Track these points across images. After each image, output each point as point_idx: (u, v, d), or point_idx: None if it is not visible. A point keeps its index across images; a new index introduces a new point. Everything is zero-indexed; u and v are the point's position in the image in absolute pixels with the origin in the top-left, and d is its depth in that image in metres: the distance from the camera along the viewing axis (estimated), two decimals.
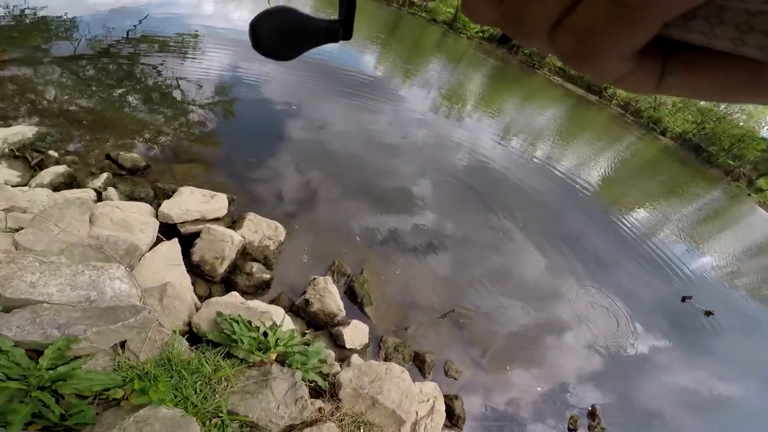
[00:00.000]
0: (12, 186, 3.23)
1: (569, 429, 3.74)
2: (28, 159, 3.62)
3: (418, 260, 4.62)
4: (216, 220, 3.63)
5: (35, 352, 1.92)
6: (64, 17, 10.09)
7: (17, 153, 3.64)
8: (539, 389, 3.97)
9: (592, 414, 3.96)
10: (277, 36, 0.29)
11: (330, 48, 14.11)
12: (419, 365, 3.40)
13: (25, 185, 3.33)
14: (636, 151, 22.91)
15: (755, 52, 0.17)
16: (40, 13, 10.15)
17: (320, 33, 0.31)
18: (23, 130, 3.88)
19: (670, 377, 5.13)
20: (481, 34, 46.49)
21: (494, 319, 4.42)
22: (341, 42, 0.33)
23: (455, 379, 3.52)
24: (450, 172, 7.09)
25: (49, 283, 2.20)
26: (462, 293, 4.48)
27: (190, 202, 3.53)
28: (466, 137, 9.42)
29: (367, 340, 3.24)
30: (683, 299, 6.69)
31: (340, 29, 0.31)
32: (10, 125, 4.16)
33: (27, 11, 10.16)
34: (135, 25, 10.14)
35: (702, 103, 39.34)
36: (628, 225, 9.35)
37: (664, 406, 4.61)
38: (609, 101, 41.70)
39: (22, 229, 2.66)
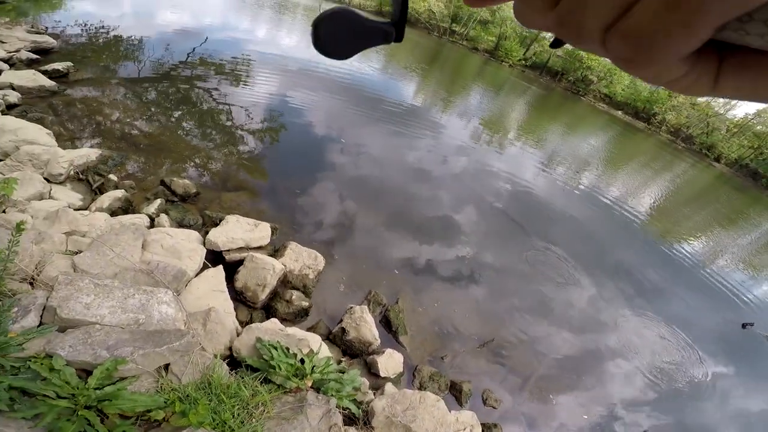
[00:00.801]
0: (75, 209, 3.44)
1: None
2: (90, 182, 3.87)
3: (455, 290, 4.52)
4: (259, 248, 3.72)
5: (84, 372, 2.00)
6: (133, 38, 11.08)
7: (81, 176, 3.90)
8: (585, 417, 3.70)
9: None
10: (335, 36, 0.31)
11: (372, 76, 14.59)
12: (456, 394, 3.28)
13: (86, 209, 3.54)
14: (689, 179, 21.38)
15: None
16: (113, 33, 11.24)
17: (375, 34, 0.32)
18: (88, 153, 4.17)
19: (731, 403, 4.70)
20: (523, 62, 46.53)
21: (536, 348, 4.22)
22: (393, 44, 0.34)
23: (494, 408, 3.36)
24: (490, 202, 6.93)
25: (102, 305, 2.32)
26: (502, 323, 4.33)
27: (236, 231, 3.66)
28: (507, 166, 9.25)
29: (401, 369, 3.18)
30: (744, 326, 6.32)
31: (394, 31, 0.33)
32: (76, 147, 4.50)
33: (101, 30, 11.27)
34: (194, 48, 10.96)
35: (759, 127, 36.75)
36: (683, 254, 8.70)
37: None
38: (658, 127, 39.88)
39: (80, 252, 2.82)
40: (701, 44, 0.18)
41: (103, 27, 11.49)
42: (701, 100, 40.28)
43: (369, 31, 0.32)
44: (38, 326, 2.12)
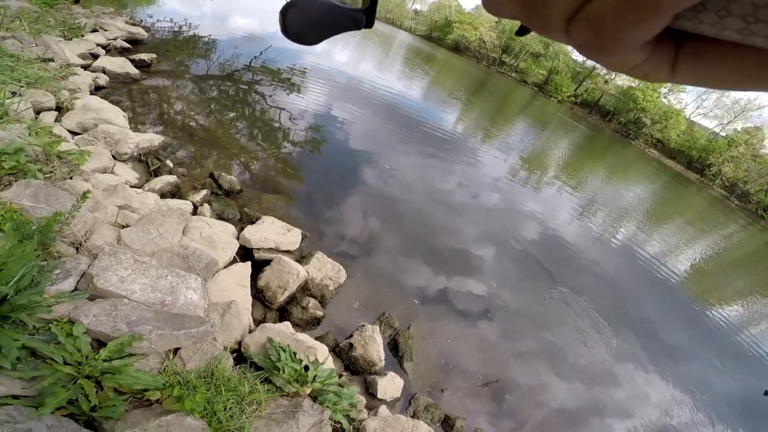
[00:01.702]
0: (131, 186, 3.81)
1: None
2: (149, 164, 4.25)
3: (468, 326, 4.45)
4: (287, 252, 3.85)
5: (98, 342, 2.06)
6: (208, 38, 12.10)
7: (142, 157, 4.31)
8: None
9: None
10: (305, 22, 0.31)
11: (417, 99, 14.90)
12: (447, 429, 3.20)
13: (140, 188, 3.90)
14: (738, 242, 19.66)
15: (763, 42, 0.18)
16: (193, 31, 12.33)
17: (345, 20, 0.32)
18: (152, 138, 4.60)
19: None
20: (573, 98, 45.39)
21: (539, 396, 4.07)
22: (363, 30, 0.34)
23: None
24: (518, 241, 6.75)
25: (135, 281, 2.44)
26: (509, 365, 4.21)
27: (269, 232, 3.81)
28: (541, 206, 8.99)
29: (399, 395, 3.15)
30: (766, 393, 5.96)
31: (364, 17, 0.32)
32: (144, 131, 4.99)
33: (184, 28, 12.40)
34: (257, 55, 11.78)
35: None
36: (716, 318, 8.07)
37: None
38: (712, 180, 36.84)
39: (128, 226, 3.04)
40: (658, 32, 0.19)
41: (186, 25, 12.65)
42: (765, 152, 36.94)
43: (338, 17, 0.32)
44: (72, 291, 2.23)
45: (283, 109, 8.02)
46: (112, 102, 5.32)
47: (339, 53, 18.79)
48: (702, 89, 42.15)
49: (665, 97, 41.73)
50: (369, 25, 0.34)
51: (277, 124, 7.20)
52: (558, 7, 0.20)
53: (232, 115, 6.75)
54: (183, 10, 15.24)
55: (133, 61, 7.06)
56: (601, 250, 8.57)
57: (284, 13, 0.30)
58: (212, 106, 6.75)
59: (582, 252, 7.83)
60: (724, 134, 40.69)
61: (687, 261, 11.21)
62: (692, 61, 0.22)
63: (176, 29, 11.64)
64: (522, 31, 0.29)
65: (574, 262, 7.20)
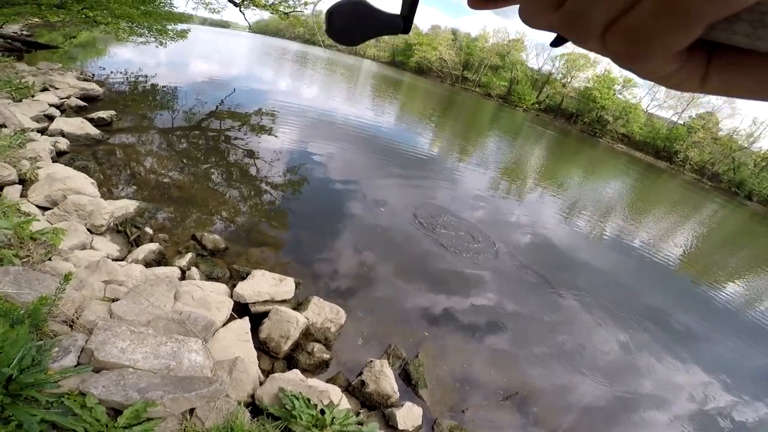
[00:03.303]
0: (113, 259, 3.75)
1: None
2: (128, 234, 4.21)
3: (476, 342, 4.57)
4: (283, 302, 3.92)
5: (113, 411, 2.16)
6: (168, 87, 12.19)
7: (120, 227, 4.26)
8: None
9: None
10: (348, 23, 0.34)
11: (389, 126, 15.43)
12: None
13: (123, 260, 3.83)
14: (721, 220, 21.22)
15: None
16: (150, 82, 12.41)
17: (385, 24, 0.35)
18: (126, 205, 4.57)
19: None
20: (537, 105, 48.17)
21: (564, 400, 4.17)
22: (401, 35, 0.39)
23: None
24: (510, 252, 7.01)
25: (136, 351, 2.52)
26: (527, 375, 4.32)
27: (262, 285, 3.89)
28: (526, 215, 9.41)
29: (420, 422, 3.21)
30: None
31: (401, 23, 0.36)
32: (116, 197, 4.93)
33: (140, 79, 12.47)
34: (222, 101, 11.96)
35: None
36: (722, 298, 8.55)
37: None
38: (681, 166, 39.40)
39: (117, 299, 3.08)
40: (691, 42, 0.20)
41: (141, 75, 12.75)
42: (722, 134, 40.11)
43: (380, 21, 0.35)
44: (75, 366, 2.31)
45: (257, 154, 8.14)
46: (77, 168, 5.28)
47: (306, 89, 19.32)
48: (651, 83, 45.83)
49: (620, 94, 45.03)
50: (406, 30, 0.36)
51: (253, 171, 7.28)
52: (595, 19, 0.21)
53: (205, 167, 6.79)
54: (136, 60, 15.40)
55: (91, 121, 7.05)
56: (592, 248, 9.01)
57: (331, 14, 0.34)
58: (183, 160, 6.77)
59: (574, 252, 8.20)
60: (681, 122, 44.04)
61: (679, 245, 11.91)
62: (724, 72, 0.23)
63: (132, 81, 11.73)
64: (557, 42, 0.31)
65: (569, 263, 7.53)
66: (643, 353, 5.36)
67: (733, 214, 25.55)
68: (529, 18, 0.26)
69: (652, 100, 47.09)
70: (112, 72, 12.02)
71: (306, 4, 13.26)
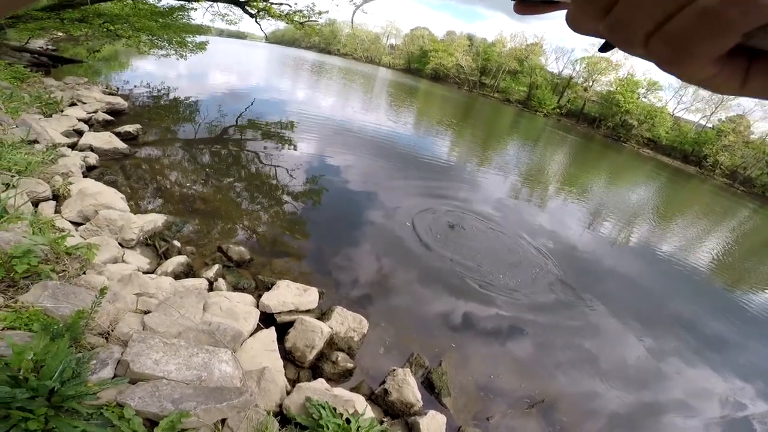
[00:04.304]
0: (143, 272, 3.87)
1: None
2: (157, 247, 4.37)
3: (499, 349, 4.57)
4: (308, 311, 4.03)
5: (149, 422, 2.26)
6: (190, 100, 12.60)
7: (149, 241, 4.42)
8: None
9: None
10: None
11: (408, 133, 15.49)
12: None
13: (153, 272, 3.96)
14: (755, 226, 20.60)
15: None
16: (173, 95, 12.84)
17: None
18: (155, 219, 4.73)
19: None
20: (558, 110, 47.47)
21: (592, 407, 4.15)
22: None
23: None
24: (533, 259, 6.97)
25: (169, 362, 2.62)
26: (553, 382, 4.30)
27: (286, 295, 4.01)
28: (549, 221, 9.33)
29: (443, 431, 3.22)
30: None
31: None
32: (144, 210, 5.11)
33: (162, 92, 12.94)
34: (242, 112, 12.27)
35: None
36: (755, 306, 8.27)
37: None
38: (711, 171, 38.27)
39: (149, 311, 3.22)
40: (728, 49, 0.22)
41: (164, 88, 13.23)
42: (755, 137, 38.62)
43: None
44: (112, 378, 2.44)
45: (278, 164, 8.31)
46: (107, 183, 5.49)
47: (324, 98, 19.66)
48: (678, 86, 44.54)
49: (645, 97, 44.03)
50: None
51: (274, 181, 7.43)
52: (640, 26, 0.23)
53: (228, 179, 6.97)
54: (158, 72, 16.01)
55: (118, 135, 7.32)
56: (619, 254, 8.90)
57: None
58: (207, 172, 6.97)
59: (600, 259, 8.14)
60: (710, 125, 42.66)
61: (710, 252, 11.64)
62: (763, 76, 0.25)
63: (155, 94, 12.17)
64: (605, 48, 0.33)
65: (595, 270, 7.47)
66: (672, 360, 5.30)
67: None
68: (576, 25, 0.28)
69: (679, 104, 45.91)
70: (135, 86, 12.52)
71: (320, 14, 13.57)
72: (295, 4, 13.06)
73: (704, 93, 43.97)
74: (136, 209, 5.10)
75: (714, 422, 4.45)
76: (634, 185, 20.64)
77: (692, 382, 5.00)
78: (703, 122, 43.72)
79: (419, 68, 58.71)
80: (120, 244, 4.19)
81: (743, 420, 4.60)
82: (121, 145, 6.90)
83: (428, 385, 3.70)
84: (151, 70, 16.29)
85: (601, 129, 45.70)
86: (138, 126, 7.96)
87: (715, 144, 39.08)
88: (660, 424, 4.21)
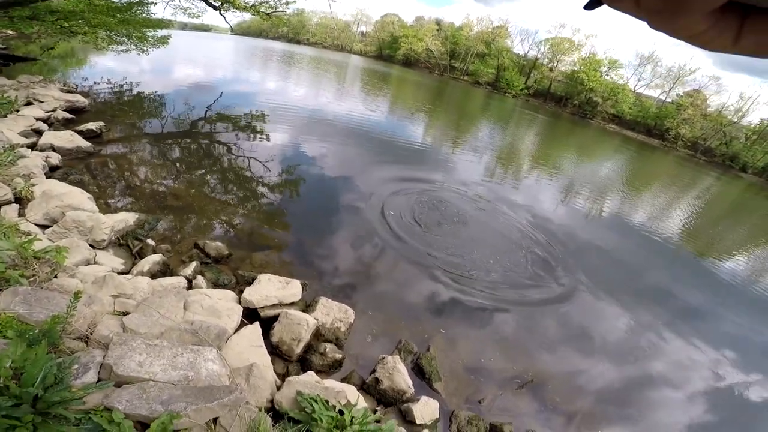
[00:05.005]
0: (118, 273, 3.75)
1: None
2: (130, 247, 4.22)
3: (486, 331, 4.63)
4: (291, 304, 3.97)
5: (140, 424, 2.20)
6: (154, 94, 12.05)
7: (121, 241, 4.26)
8: None
9: None
10: None
11: (380, 121, 15.40)
12: None
13: (128, 273, 3.84)
14: (718, 193, 21.72)
15: None
16: (136, 90, 12.25)
17: None
18: (126, 218, 4.56)
19: None
20: (526, 91, 48.27)
21: (579, 383, 4.26)
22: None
23: None
24: (512, 237, 7.10)
25: (154, 363, 2.56)
26: (540, 360, 4.39)
27: (269, 289, 3.93)
28: (524, 200, 9.52)
29: (437, 416, 3.25)
30: None
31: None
32: (114, 210, 4.91)
33: (125, 87, 12.30)
34: (210, 105, 11.84)
35: None
36: (726, 272, 8.73)
37: None
38: (674, 143, 40.14)
39: (128, 313, 3.10)
40: (723, 2, 0.21)
41: (126, 83, 12.57)
42: (711, 110, 40.68)
43: None
44: (96, 382, 2.35)
45: (252, 156, 8.11)
46: (72, 183, 5.24)
47: (295, 88, 19.17)
48: (637, 64, 45.94)
49: (607, 75, 45.32)
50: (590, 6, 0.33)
51: (249, 174, 7.26)
52: None
53: (200, 173, 6.76)
54: (119, 68, 15.17)
55: (81, 133, 6.96)
56: (593, 228, 9.16)
57: None
58: (178, 167, 6.74)
59: (577, 232, 8.36)
60: (670, 100, 44.49)
61: (680, 220, 12.15)
62: (758, 33, 0.24)
63: (117, 90, 11.57)
64: (591, 5, 0.31)
65: (571, 247, 7.65)
66: (650, 332, 5.49)
67: (730, 185, 26.10)
68: None
69: (639, 80, 47.43)
70: (95, 82, 11.84)
71: (287, 3, 13.09)
72: None
73: (662, 69, 45.74)
74: (106, 209, 4.89)
75: (697, 389, 4.65)
76: (603, 159, 21.31)
77: (672, 352, 5.17)
78: (663, 97, 45.56)
79: (391, 54, 58.08)
80: (91, 245, 4.02)
81: (718, 388, 4.81)
82: (84, 143, 6.56)
83: (418, 371, 3.73)
84: (111, 66, 15.39)
85: (567, 107, 46.85)
86: (101, 123, 7.57)
87: (675, 118, 40.89)
88: (646, 395, 4.37)
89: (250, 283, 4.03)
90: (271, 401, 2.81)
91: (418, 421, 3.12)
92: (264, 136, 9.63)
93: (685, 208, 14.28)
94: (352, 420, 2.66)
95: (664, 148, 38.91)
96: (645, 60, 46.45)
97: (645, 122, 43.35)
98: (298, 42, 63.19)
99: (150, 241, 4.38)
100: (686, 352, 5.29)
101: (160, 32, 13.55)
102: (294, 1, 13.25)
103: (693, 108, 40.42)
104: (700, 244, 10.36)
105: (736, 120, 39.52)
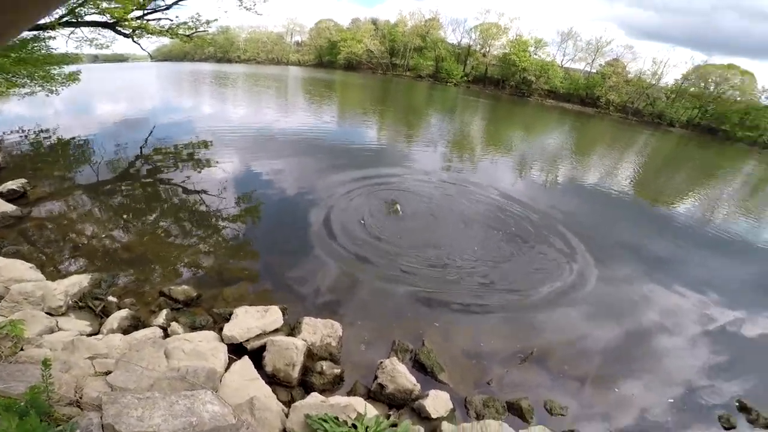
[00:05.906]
0: (87, 335, 3.68)
1: (725, 429, 3.67)
2: (92, 307, 4.10)
3: (476, 314, 4.80)
4: (275, 331, 4.00)
5: None
6: (78, 139, 11.35)
7: (80, 303, 4.14)
8: (670, 400, 3.95)
9: (743, 408, 3.86)
10: None
11: (331, 127, 15.57)
12: (516, 413, 3.47)
13: (98, 333, 3.77)
14: (655, 148, 24.03)
15: None
16: (55, 136, 11.45)
17: None
18: (79, 280, 4.41)
19: None
20: (466, 78, 50.78)
21: (581, 346, 4.46)
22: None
23: (563, 415, 3.55)
24: (479, 221, 7.48)
25: (153, 416, 2.55)
26: (536, 332, 4.58)
27: (248, 321, 3.95)
28: (484, 182, 10.03)
29: (451, 405, 3.35)
30: None
31: None
32: (64, 274, 4.72)
33: (42, 134, 11.46)
34: (144, 141, 11.38)
35: (692, 89, 41.07)
36: (680, 217, 9.69)
37: None
38: (606, 109, 44.12)
39: (110, 372, 3.05)
40: None
41: (42, 130, 11.71)
42: (631, 76, 45.31)
43: None
44: None
45: (202, 189, 7.97)
46: (8, 255, 4.94)
47: (234, 109, 18.76)
48: (559, 41, 50.12)
49: (536, 54, 48.92)
50: None
51: (203, 208, 7.15)
52: None
53: (150, 218, 6.57)
54: (29, 113, 14.09)
55: (2, 196, 6.49)
56: (552, 196, 9.86)
57: None
58: (124, 216, 6.51)
59: (538, 205, 8.92)
60: (594, 71, 48.96)
61: (627, 176, 13.31)
62: None
63: (33, 139, 10.78)
64: None
65: (535, 216, 8.14)
66: (633, 284, 5.95)
67: (663, 140, 28.92)
68: None
69: (564, 56, 51.39)
70: (4, 133, 10.94)
71: (208, 22, 12.88)
72: (176, 17, 12.24)
73: (582, 43, 50.19)
74: (55, 274, 4.66)
75: (691, 331, 5.04)
76: (548, 132, 22.83)
77: (659, 301, 5.58)
78: (588, 69, 49.85)
79: (331, 60, 58.21)
80: (49, 313, 3.87)
81: (708, 330, 5.24)
82: (9, 207, 6.11)
83: (419, 367, 3.82)
84: (19, 113, 14.26)
85: (506, 89, 49.81)
86: (23, 181, 7.04)
87: (602, 86, 45.12)
88: (647, 345, 4.65)
89: (227, 320, 4.03)
90: (283, 430, 2.85)
91: (433, 415, 3.22)
92: (211, 166, 9.45)
93: (630, 164, 15.69)
94: (366, 430, 2.73)
95: (598, 115, 42.43)
96: (566, 36, 50.41)
97: (577, 93, 47.23)
98: (229, 61, 61.43)
99: (112, 298, 4.27)
100: (672, 299, 5.76)
101: (68, 68, 12.73)
102: (216, 20, 13.07)
103: (616, 76, 44.66)
104: (651, 193, 11.46)
105: (654, 83, 44.32)
